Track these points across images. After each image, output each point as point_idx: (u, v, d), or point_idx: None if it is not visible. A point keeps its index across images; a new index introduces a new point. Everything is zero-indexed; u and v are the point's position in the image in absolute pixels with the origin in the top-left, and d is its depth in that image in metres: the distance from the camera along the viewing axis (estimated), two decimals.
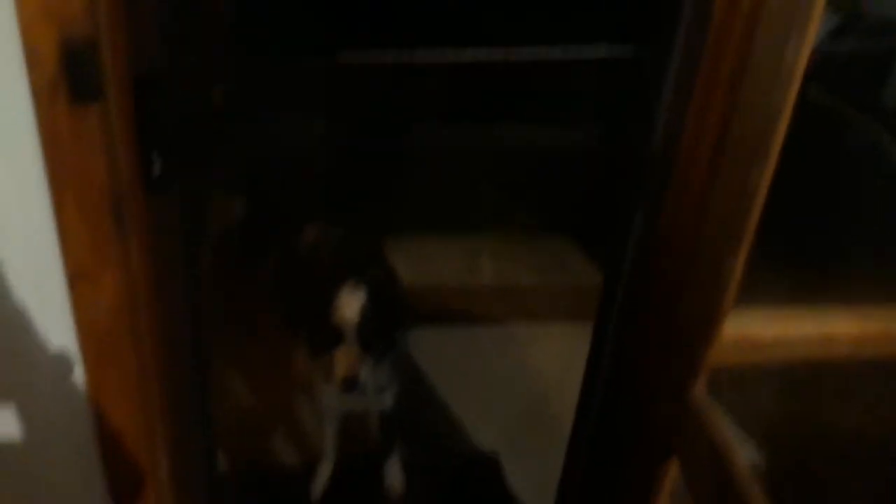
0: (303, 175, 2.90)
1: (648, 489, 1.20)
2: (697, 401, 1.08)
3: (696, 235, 1.00)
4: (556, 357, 2.49)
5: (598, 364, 1.33)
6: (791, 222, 1.40)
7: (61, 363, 1.02)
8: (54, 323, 0.99)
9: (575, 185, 2.99)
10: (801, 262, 1.78)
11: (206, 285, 2.17)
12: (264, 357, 2.23)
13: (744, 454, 1.00)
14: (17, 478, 1.14)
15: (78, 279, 0.96)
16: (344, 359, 1.48)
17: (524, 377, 2.39)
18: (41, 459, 1.12)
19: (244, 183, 2.90)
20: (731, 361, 1.04)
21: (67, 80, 0.83)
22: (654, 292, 1.13)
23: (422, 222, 2.99)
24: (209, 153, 2.36)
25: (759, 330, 1.04)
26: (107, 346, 1.01)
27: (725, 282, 0.98)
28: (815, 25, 0.82)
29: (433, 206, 3.01)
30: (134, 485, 1.13)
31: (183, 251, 1.29)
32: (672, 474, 1.19)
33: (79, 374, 1.03)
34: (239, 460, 2.00)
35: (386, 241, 2.25)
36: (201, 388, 1.49)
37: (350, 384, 1.49)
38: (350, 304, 1.50)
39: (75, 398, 1.05)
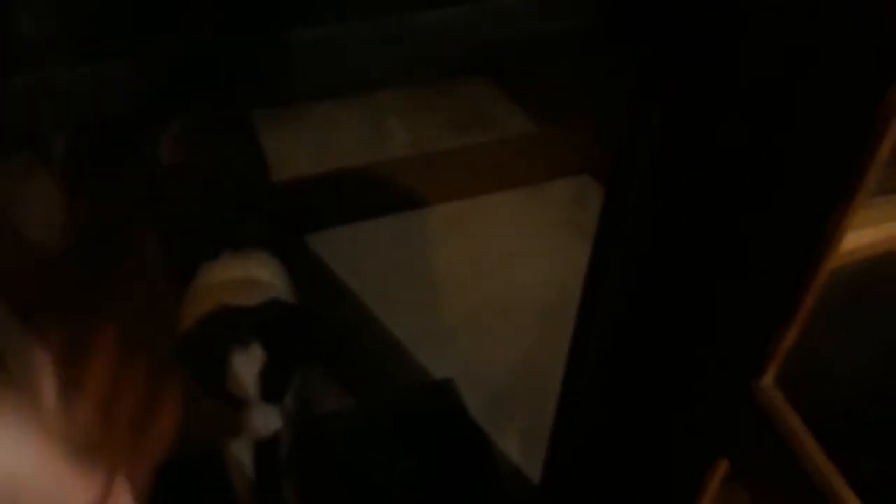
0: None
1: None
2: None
3: None
4: (499, 236, 2.07)
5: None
6: None
7: None
8: None
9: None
10: None
11: None
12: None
13: None
14: None
15: None
16: (254, 423, 1.17)
17: (463, 271, 1.97)
18: None
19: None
20: None
21: None
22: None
23: (308, 85, 2.41)
24: None
25: None
26: None
27: None
28: None
29: (317, 60, 2.39)
30: None
31: None
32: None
33: None
34: None
35: (263, 131, 1.70)
36: None
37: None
38: (246, 372, 1.16)
39: None
